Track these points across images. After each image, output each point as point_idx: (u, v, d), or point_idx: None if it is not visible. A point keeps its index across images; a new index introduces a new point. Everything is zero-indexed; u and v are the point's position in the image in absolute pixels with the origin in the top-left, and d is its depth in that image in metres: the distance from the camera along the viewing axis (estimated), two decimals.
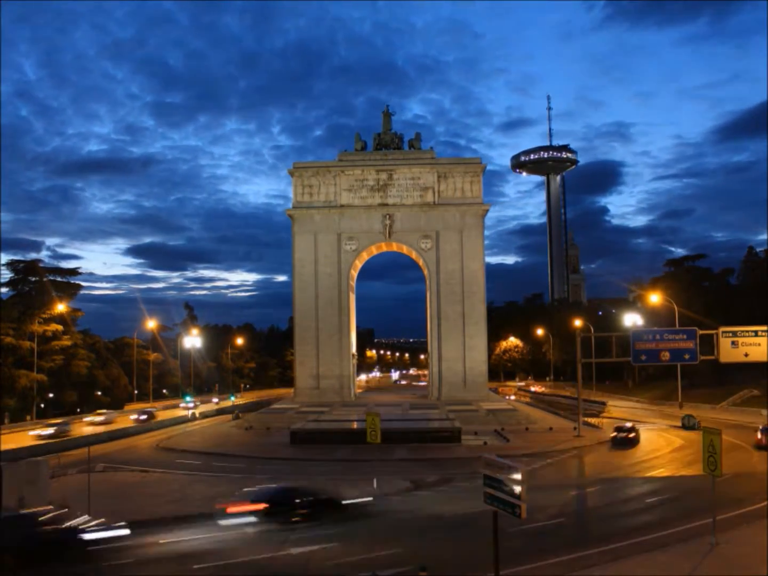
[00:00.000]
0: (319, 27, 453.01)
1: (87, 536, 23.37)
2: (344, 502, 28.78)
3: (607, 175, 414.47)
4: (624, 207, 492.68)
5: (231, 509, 27.42)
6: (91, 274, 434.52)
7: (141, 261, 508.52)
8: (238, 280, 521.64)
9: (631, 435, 52.59)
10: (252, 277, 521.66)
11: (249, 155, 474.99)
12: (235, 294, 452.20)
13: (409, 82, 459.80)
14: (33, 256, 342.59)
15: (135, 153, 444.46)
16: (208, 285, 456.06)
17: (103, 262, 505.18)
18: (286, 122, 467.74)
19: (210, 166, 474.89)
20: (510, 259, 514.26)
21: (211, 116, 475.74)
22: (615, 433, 52.97)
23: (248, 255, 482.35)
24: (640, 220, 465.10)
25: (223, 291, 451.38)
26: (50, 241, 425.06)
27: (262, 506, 27.19)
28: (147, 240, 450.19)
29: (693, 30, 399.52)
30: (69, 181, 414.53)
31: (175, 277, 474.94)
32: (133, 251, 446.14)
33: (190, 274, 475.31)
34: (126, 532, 24.46)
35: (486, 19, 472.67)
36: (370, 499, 30.12)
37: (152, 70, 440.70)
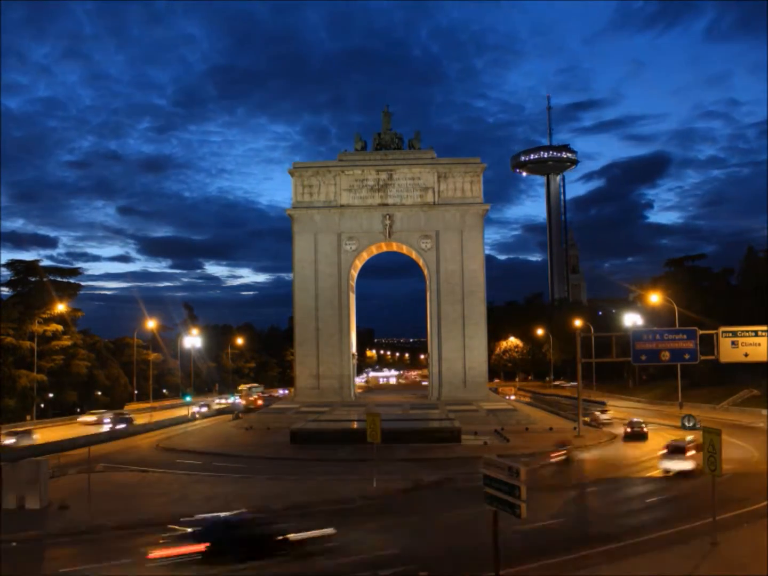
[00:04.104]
0: None
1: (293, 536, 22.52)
2: (295, 537, 22.78)
3: (656, 167, 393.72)
4: (677, 199, 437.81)
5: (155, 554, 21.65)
6: (105, 273, 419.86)
7: (159, 259, 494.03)
8: (255, 278, 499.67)
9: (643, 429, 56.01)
10: (269, 276, 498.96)
11: (311, 134, 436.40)
12: (247, 293, 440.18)
13: (518, 48, 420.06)
14: (48, 252, 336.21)
15: (190, 130, 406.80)
16: (223, 285, 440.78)
17: (121, 254, 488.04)
18: (364, 94, 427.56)
19: (268, 149, 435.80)
20: (537, 256, 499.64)
21: (282, 86, 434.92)
22: (628, 429, 56.40)
23: (278, 252, 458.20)
24: (682, 215, 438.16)
25: (236, 290, 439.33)
26: (69, 236, 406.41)
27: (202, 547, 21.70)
28: (170, 234, 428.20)
29: None
30: (105, 167, 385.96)
31: (191, 276, 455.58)
32: (153, 247, 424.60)
33: (209, 271, 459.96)
34: (331, 531, 23.25)
35: None
36: (330, 531, 23.59)
37: (230, 27, 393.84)
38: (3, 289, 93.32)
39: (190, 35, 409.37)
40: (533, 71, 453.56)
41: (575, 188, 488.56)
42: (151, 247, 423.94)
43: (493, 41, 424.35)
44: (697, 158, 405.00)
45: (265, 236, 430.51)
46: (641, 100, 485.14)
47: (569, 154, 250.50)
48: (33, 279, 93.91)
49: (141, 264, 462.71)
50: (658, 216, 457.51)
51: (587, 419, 66.16)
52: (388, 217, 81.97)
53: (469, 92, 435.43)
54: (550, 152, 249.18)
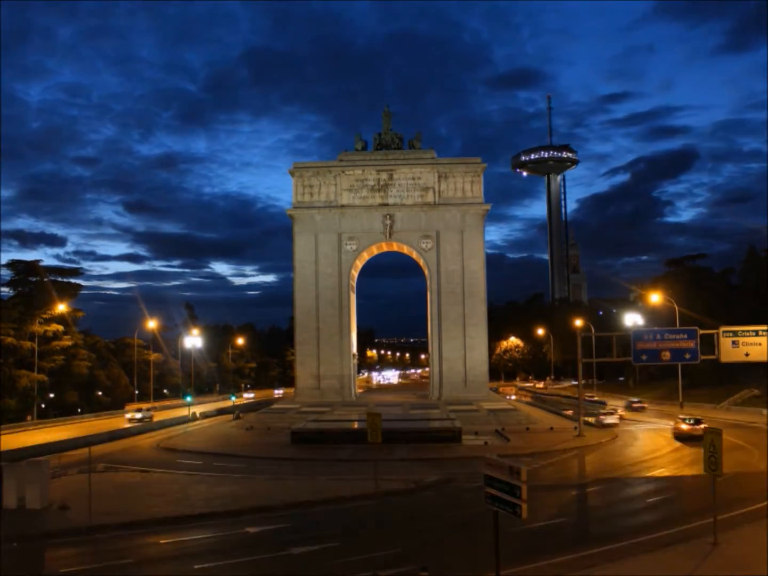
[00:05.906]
0: None
1: None
2: None
3: (685, 162, 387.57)
4: (707, 195, 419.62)
5: None
6: (116, 273, 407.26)
7: (170, 258, 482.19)
8: (263, 278, 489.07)
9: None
10: (276, 276, 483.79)
11: (344, 123, 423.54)
12: (253, 293, 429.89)
13: (575, 29, 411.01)
14: (56, 251, 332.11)
15: (219, 119, 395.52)
16: (230, 284, 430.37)
17: (129, 253, 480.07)
18: (402, 83, 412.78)
19: (298, 139, 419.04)
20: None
21: (319, 72, 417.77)
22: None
23: (287, 251, 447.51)
24: (704, 212, 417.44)
25: (242, 289, 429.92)
26: (80, 234, 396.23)
27: None
28: (183, 232, 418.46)
29: None
30: (123, 161, 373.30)
31: (200, 275, 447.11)
32: (164, 246, 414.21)
33: (217, 270, 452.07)
34: None
35: None
36: None
37: (272, 6, 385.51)
38: (3, 289, 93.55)
39: (231, 12, 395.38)
40: (578, 59, 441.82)
41: (599, 184, 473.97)
42: (162, 246, 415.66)
43: (549, 24, 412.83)
44: (741, 150, 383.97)
45: (278, 234, 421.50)
46: (689, 89, 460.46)
47: (570, 154, 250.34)
48: (33, 279, 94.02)
49: (150, 263, 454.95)
50: (679, 213, 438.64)
51: (591, 420, 65.93)
52: (388, 217, 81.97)
53: (515, 81, 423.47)
54: (551, 152, 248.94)
